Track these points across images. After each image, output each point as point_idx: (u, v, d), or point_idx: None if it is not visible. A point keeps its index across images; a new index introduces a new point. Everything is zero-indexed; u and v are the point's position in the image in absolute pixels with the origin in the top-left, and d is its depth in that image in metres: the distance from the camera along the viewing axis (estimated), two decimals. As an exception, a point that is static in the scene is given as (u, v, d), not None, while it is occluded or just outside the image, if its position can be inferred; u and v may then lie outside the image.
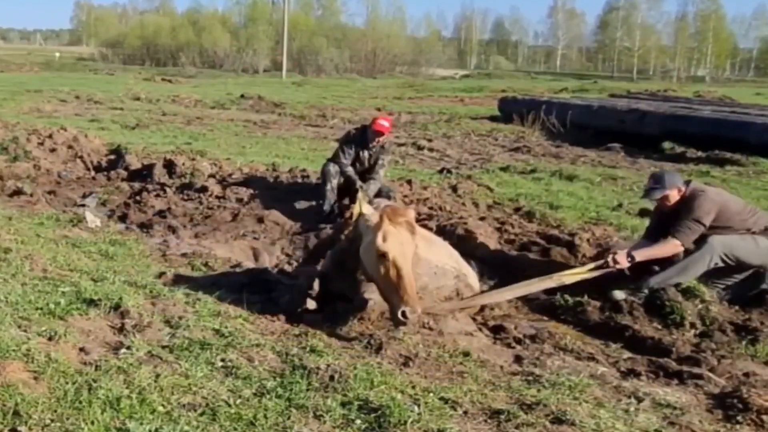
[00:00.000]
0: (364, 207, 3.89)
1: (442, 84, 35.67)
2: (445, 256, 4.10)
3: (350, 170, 6.51)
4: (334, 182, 6.42)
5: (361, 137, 6.57)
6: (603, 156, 11.23)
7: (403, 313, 3.27)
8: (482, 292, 4.26)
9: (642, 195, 5.05)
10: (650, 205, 5.40)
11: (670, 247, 4.40)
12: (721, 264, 4.34)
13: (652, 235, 4.69)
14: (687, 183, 4.53)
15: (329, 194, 6.33)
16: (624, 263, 4.33)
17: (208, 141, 11.12)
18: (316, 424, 2.42)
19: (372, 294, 3.62)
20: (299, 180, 7.32)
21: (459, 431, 2.43)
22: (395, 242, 3.40)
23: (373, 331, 3.47)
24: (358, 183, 6.42)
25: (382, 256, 3.39)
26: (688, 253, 4.39)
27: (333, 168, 6.48)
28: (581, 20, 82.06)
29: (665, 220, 4.59)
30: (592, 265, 4.40)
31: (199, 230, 5.73)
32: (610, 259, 4.33)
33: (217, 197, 6.67)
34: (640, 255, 4.39)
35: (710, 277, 4.41)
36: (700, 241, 4.34)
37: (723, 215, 4.37)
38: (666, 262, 4.47)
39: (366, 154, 6.57)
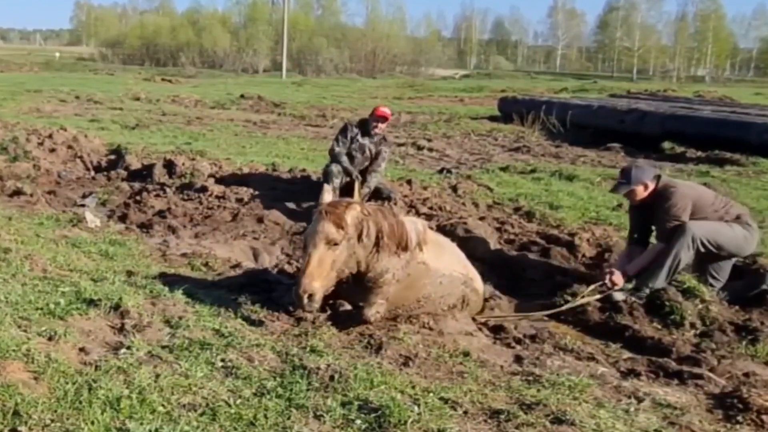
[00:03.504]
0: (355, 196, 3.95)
1: (442, 84, 35.64)
2: (453, 261, 4.07)
3: (344, 159, 6.56)
4: (336, 182, 6.44)
5: (363, 126, 6.72)
6: (603, 156, 11.23)
7: None
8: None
9: (610, 189, 5.07)
10: None
11: (660, 252, 4.44)
12: (702, 249, 4.36)
13: (634, 234, 4.75)
14: (657, 178, 4.53)
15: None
16: (621, 282, 4.38)
17: (208, 141, 11.10)
18: (316, 424, 2.42)
19: None
20: (299, 180, 7.32)
21: (459, 431, 2.43)
22: (310, 229, 3.50)
23: (373, 331, 3.47)
24: (355, 173, 6.49)
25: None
26: (670, 246, 4.40)
27: (336, 168, 6.54)
28: (581, 20, 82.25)
29: (642, 216, 4.64)
30: (592, 288, 4.41)
31: (199, 230, 5.73)
32: (607, 280, 4.36)
33: (217, 197, 6.66)
34: (634, 269, 4.46)
35: (703, 263, 4.46)
36: (677, 231, 4.36)
37: (697, 208, 4.42)
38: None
39: (368, 142, 6.65)
